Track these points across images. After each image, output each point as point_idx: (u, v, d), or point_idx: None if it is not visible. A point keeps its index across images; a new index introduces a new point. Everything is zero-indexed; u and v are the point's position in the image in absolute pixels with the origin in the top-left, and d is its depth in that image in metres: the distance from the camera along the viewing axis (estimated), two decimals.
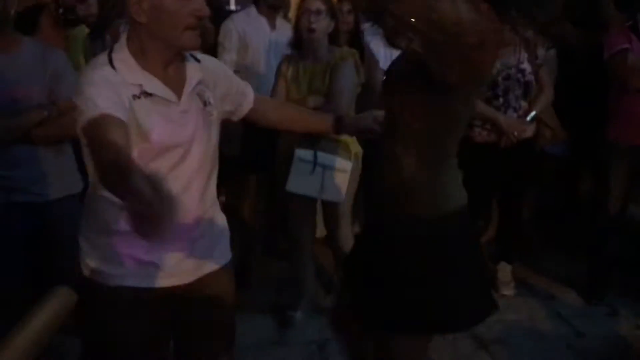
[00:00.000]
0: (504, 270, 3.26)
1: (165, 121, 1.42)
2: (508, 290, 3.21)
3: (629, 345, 2.75)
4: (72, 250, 1.56)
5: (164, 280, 1.51)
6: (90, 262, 1.51)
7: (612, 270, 3.18)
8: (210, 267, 1.62)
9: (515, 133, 2.95)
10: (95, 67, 1.40)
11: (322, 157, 2.62)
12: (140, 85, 1.40)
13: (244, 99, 1.69)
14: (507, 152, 2.99)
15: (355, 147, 2.74)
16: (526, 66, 2.93)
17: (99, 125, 1.26)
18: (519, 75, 2.93)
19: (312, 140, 2.60)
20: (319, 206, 2.96)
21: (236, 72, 3.13)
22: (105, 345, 1.56)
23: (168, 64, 1.45)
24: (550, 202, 3.90)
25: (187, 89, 1.48)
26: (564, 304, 3.13)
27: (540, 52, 2.98)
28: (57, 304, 0.69)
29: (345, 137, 2.67)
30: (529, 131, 3.05)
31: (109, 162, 1.16)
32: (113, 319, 1.51)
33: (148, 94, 1.40)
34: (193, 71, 1.50)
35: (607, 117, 3.07)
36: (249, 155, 3.03)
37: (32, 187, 2.16)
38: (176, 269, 1.53)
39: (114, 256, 1.48)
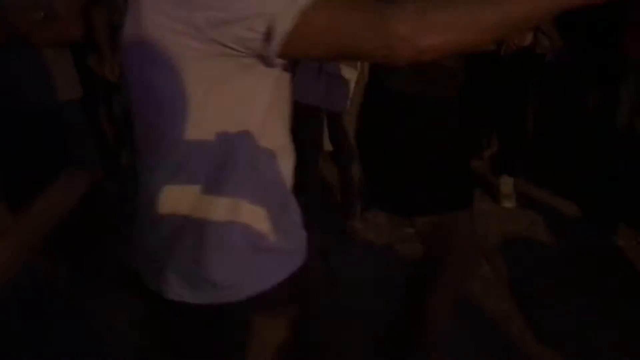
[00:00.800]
0: (506, 183, 3.28)
1: None
2: (509, 203, 3.25)
3: (627, 259, 2.78)
4: (76, 155, 1.53)
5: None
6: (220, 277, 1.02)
7: (615, 184, 3.18)
8: None
9: (515, 41, 2.90)
10: None
11: (327, 65, 2.56)
12: None
13: None
14: (507, 60, 2.94)
15: None
16: None
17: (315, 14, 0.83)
18: None
19: None
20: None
21: None
22: None
23: None
24: (555, 115, 3.86)
25: None
26: (565, 217, 3.16)
27: None
28: (70, 182, 0.68)
29: None
30: (527, 39, 3.00)
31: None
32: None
33: None
34: None
35: (622, 27, 2.97)
36: None
37: (31, 92, 2.11)
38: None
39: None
